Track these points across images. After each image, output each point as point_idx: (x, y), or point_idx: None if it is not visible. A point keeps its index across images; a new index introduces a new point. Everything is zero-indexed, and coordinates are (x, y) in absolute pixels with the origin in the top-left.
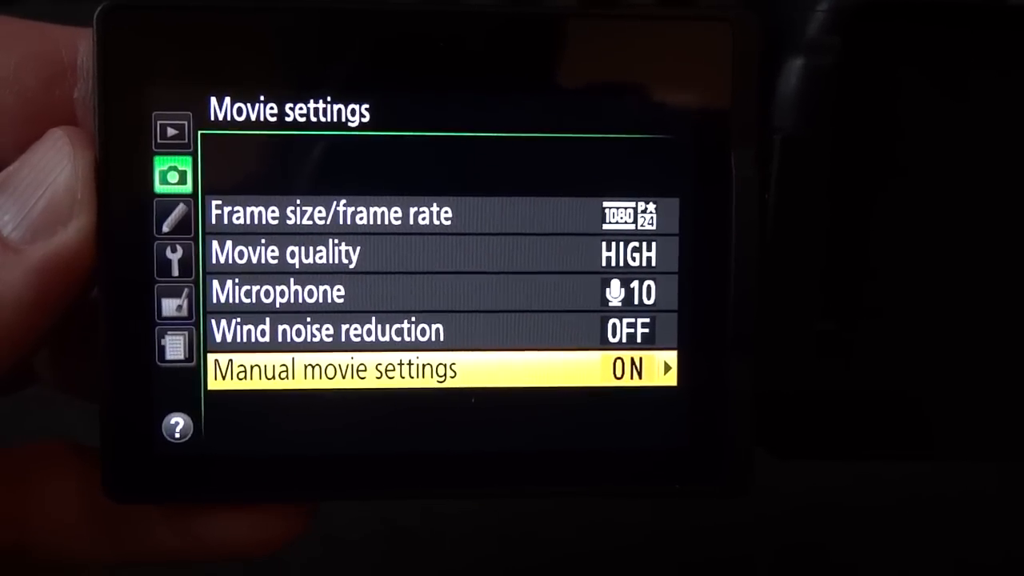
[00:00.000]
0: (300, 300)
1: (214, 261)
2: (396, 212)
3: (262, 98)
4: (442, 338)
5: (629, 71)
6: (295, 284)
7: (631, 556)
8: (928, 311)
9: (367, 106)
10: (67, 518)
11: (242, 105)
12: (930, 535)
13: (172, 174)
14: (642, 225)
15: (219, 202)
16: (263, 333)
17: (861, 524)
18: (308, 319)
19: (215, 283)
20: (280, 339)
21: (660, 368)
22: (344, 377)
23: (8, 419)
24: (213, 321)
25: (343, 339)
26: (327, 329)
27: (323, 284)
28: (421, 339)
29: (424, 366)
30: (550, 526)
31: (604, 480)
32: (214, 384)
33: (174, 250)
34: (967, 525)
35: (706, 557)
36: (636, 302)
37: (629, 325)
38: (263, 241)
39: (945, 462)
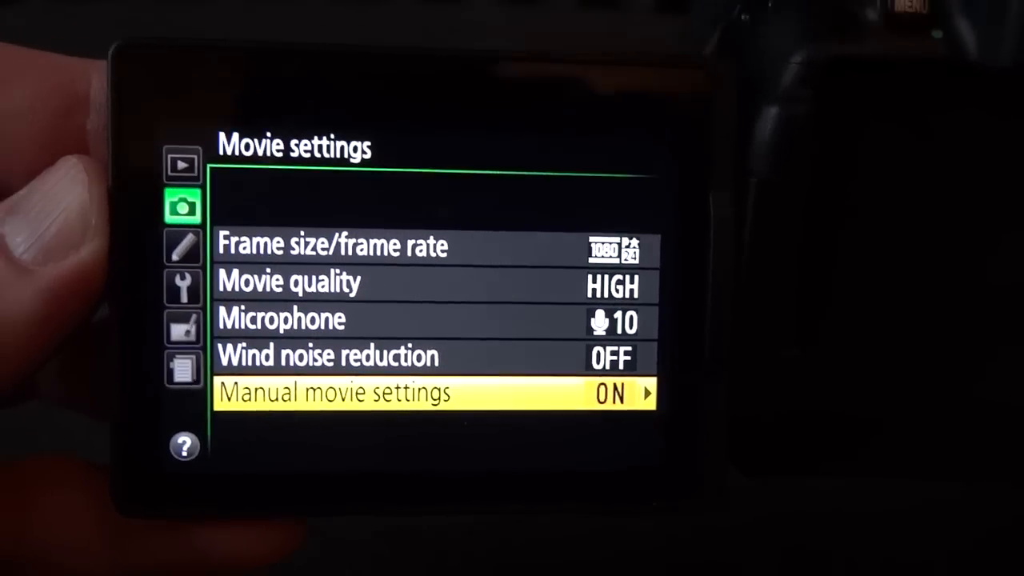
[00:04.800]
0: (303, 326)
1: (221, 288)
2: (395, 244)
3: (269, 135)
4: (437, 363)
5: (615, 114)
6: (298, 311)
7: (631, 556)
8: (885, 339)
9: (368, 144)
10: (70, 532)
11: (250, 141)
12: (925, 541)
13: (182, 205)
14: (626, 259)
15: (227, 232)
16: (267, 357)
17: (858, 529)
18: (310, 344)
19: (222, 309)
20: (283, 363)
21: (641, 393)
22: (344, 400)
23: (13, 433)
24: (220, 345)
25: (343, 364)
26: (328, 354)
27: (325, 311)
28: (417, 364)
29: (419, 390)
30: (550, 527)
31: (588, 498)
32: (220, 405)
33: (183, 277)
34: (960, 531)
35: (705, 560)
36: (619, 331)
37: (612, 353)
38: (268, 270)
39: (900, 480)
